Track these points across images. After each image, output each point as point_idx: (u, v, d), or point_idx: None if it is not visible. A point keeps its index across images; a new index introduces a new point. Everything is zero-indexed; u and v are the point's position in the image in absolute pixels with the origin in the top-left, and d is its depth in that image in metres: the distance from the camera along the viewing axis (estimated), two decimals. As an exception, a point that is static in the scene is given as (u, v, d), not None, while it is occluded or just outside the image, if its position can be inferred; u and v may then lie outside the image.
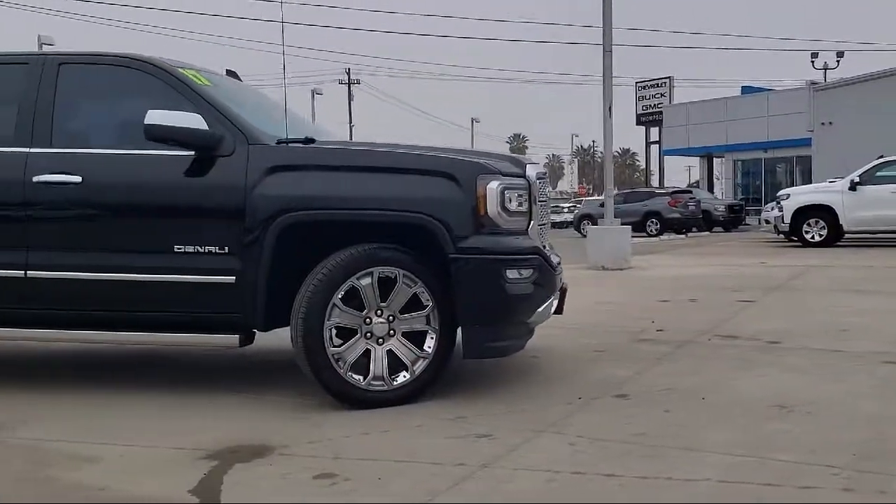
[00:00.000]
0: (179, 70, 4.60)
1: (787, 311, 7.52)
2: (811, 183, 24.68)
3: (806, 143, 34.07)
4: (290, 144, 4.41)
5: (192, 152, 4.34)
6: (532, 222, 4.40)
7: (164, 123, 4.20)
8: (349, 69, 47.03)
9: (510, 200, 4.24)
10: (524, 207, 4.33)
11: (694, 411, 4.05)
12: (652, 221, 29.15)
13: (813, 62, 35.65)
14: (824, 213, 17.47)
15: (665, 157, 50.32)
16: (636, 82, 50.02)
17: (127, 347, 5.82)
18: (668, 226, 28.85)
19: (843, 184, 17.46)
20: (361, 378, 4.17)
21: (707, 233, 29.58)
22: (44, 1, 66.05)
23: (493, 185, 4.18)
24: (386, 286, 4.20)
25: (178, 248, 4.32)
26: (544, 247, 4.61)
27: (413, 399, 4.24)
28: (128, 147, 4.54)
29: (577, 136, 69.14)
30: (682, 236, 26.96)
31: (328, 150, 4.54)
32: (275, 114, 4.86)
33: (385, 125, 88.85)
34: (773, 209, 19.70)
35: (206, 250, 4.30)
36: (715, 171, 45.93)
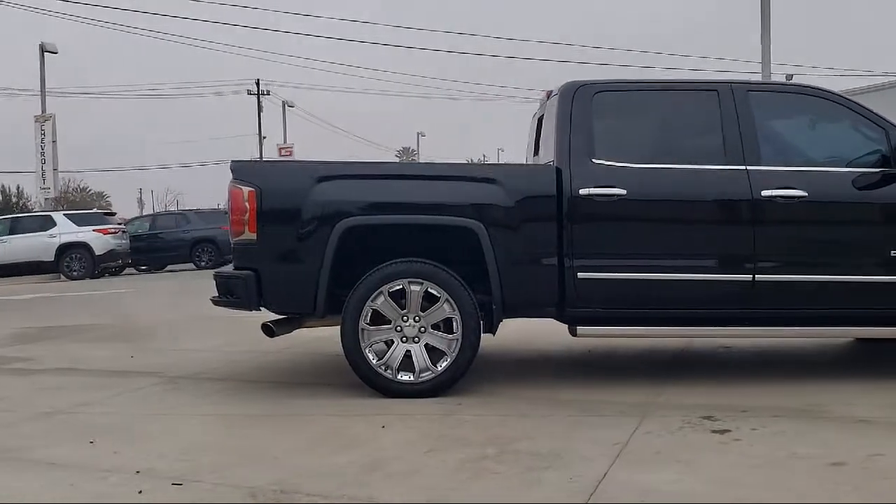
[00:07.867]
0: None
1: None
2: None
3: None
4: None
5: (890, 169, 5.00)
6: None
7: None
8: (259, 80, 44.98)
9: None
10: None
11: None
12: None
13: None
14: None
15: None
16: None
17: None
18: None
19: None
20: None
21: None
22: (43, 2, 63.06)
23: None
24: None
25: (894, 253, 4.95)
26: None
27: None
28: (832, 165, 5.20)
29: (502, 150, 69.22)
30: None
31: None
32: None
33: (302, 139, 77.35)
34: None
35: None
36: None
